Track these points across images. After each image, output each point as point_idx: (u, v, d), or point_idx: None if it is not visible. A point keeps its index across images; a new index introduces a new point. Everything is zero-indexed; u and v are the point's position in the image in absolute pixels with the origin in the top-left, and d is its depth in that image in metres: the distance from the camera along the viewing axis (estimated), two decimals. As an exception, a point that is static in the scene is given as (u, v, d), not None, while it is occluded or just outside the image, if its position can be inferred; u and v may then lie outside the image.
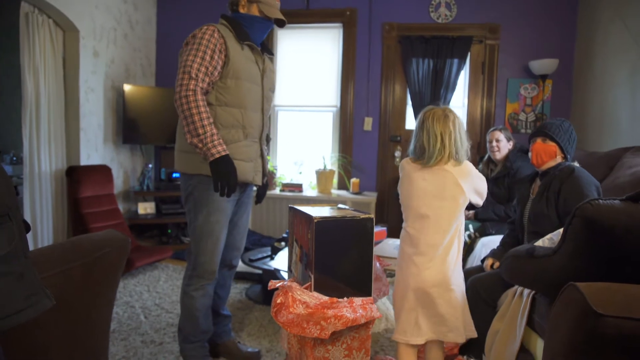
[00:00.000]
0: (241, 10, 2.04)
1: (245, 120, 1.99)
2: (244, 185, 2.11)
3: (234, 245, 2.22)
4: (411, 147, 1.85)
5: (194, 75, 1.80)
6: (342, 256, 1.60)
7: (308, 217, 1.58)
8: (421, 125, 1.81)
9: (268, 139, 2.30)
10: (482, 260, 2.33)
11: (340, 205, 1.88)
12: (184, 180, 2.01)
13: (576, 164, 2.25)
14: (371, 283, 1.65)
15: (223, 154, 1.76)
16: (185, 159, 1.99)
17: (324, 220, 1.56)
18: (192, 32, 1.94)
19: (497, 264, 2.19)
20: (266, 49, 2.16)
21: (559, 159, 2.16)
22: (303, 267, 1.67)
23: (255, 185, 2.17)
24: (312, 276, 1.57)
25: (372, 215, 1.63)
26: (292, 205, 1.84)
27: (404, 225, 1.86)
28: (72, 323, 1.61)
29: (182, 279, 2.11)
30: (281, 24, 2.09)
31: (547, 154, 2.16)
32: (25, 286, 1.01)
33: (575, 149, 2.21)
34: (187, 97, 1.78)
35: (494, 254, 2.27)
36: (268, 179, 2.36)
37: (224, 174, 1.74)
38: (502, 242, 2.34)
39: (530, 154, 2.22)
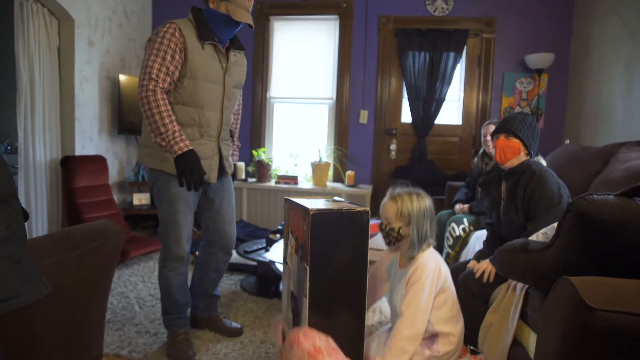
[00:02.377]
0: (210, 5, 2.04)
1: (202, 119, 2.04)
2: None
3: (224, 233, 2.31)
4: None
5: (154, 77, 1.84)
6: (337, 248, 1.60)
7: (304, 210, 1.59)
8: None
9: (232, 134, 2.36)
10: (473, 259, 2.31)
11: (336, 198, 1.88)
12: (148, 172, 2.13)
13: (541, 160, 2.26)
14: (366, 275, 1.66)
15: (185, 149, 1.81)
16: (146, 153, 2.08)
17: (320, 213, 1.56)
18: (156, 29, 1.96)
19: (487, 268, 2.08)
20: (236, 44, 2.17)
21: (522, 155, 2.13)
22: (299, 259, 1.68)
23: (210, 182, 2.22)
24: (308, 268, 1.58)
25: (368, 208, 1.63)
26: (287, 197, 1.84)
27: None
28: (67, 312, 1.61)
29: None
30: (249, 26, 2.08)
31: (510, 151, 2.12)
32: (22, 272, 1.01)
33: (538, 143, 2.19)
34: (148, 97, 1.83)
35: (478, 256, 2.24)
36: (235, 172, 2.44)
37: (187, 169, 1.79)
38: (486, 245, 2.32)
39: (493, 150, 2.20)
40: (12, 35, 3.32)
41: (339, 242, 1.60)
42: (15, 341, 1.40)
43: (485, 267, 2.05)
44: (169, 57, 1.89)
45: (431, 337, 1.73)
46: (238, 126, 2.44)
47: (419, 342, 1.69)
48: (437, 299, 1.73)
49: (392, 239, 1.76)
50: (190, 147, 1.81)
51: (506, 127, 2.14)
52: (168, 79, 1.90)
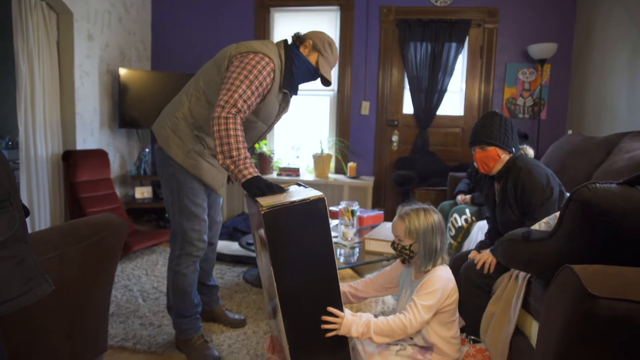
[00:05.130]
0: (302, 50, 2.05)
1: None
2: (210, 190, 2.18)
3: (212, 223, 2.32)
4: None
5: (239, 106, 1.81)
6: (298, 242, 1.53)
7: (258, 208, 1.51)
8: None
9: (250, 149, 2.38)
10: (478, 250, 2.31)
11: (294, 186, 1.82)
12: (165, 158, 2.04)
13: (527, 150, 2.24)
14: (334, 263, 1.58)
15: (254, 174, 1.76)
16: (175, 144, 2.02)
17: (273, 210, 1.48)
18: (253, 48, 1.91)
19: (488, 259, 2.07)
20: (296, 90, 2.17)
21: (505, 157, 2.10)
22: (265, 256, 1.62)
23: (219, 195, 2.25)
24: (272, 267, 1.51)
25: (323, 195, 1.54)
26: (246, 195, 1.77)
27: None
28: (71, 305, 1.62)
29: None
30: (326, 84, 2.10)
31: (490, 160, 2.10)
32: (24, 271, 1.01)
33: (516, 137, 2.14)
34: (227, 119, 1.77)
35: (479, 247, 2.24)
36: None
37: (259, 191, 1.72)
38: (488, 236, 2.32)
39: (475, 164, 2.17)
40: (11, 30, 3.31)
41: (299, 235, 1.52)
42: (21, 335, 1.41)
43: (486, 258, 2.05)
44: (256, 94, 1.88)
45: (427, 346, 1.73)
46: None
47: (404, 337, 1.69)
48: (442, 317, 1.72)
49: (405, 256, 1.76)
50: (258, 174, 1.77)
51: (478, 140, 2.12)
52: (248, 112, 1.89)
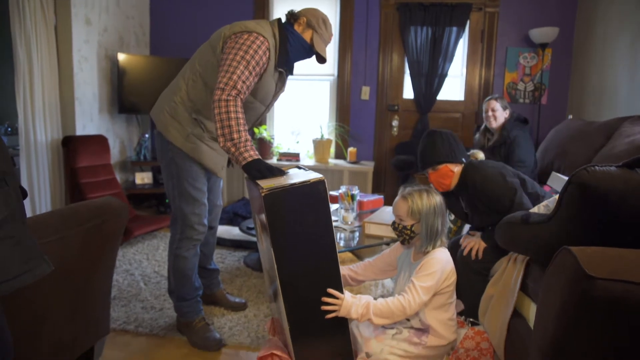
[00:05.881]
0: (296, 28, 2.03)
1: None
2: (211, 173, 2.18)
3: (213, 207, 2.32)
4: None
5: (239, 87, 1.81)
6: (299, 224, 1.53)
7: (258, 190, 1.51)
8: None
9: None
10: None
11: (294, 169, 1.81)
12: (165, 143, 2.04)
13: (477, 154, 2.24)
14: (335, 245, 1.59)
15: (255, 157, 1.76)
16: (174, 128, 2.02)
17: (273, 192, 1.48)
18: (247, 28, 1.90)
19: (475, 245, 2.08)
20: (291, 69, 2.16)
21: (457, 169, 2.09)
22: (266, 238, 1.63)
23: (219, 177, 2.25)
24: (272, 250, 1.52)
25: (323, 177, 1.55)
26: (247, 178, 1.78)
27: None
28: (72, 288, 1.63)
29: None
30: (321, 61, 2.08)
31: (445, 177, 2.08)
32: (23, 251, 1.01)
33: (461, 146, 2.12)
34: (228, 101, 1.78)
35: (469, 232, 2.22)
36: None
37: (259, 174, 1.72)
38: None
39: (432, 186, 2.15)
40: (8, 15, 3.28)
41: (299, 217, 1.53)
42: (24, 316, 1.42)
43: (473, 244, 2.05)
44: (254, 74, 1.88)
45: (424, 328, 1.74)
46: None
47: (403, 318, 1.70)
48: (439, 299, 1.73)
49: (406, 236, 1.76)
50: (259, 157, 1.78)
51: (427, 162, 2.10)
52: (247, 93, 1.89)
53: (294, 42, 2.02)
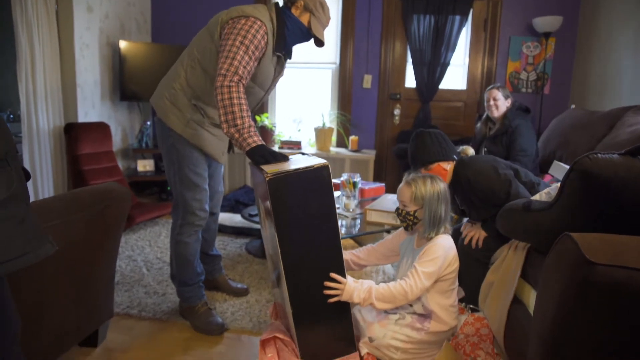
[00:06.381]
0: (293, 11, 2.02)
1: None
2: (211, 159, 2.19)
3: (214, 193, 2.33)
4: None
5: (240, 73, 1.81)
6: (302, 209, 1.55)
7: (262, 175, 1.52)
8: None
9: None
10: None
11: (298, 156, 1.81)
12: (165, 129, 2.05)
13: (467, 150, 2.24)
14: (338, 231, 1.61)
15: (259, 143, 1.77)
16: (174, 114, 2.03)
17: (277, 177, 1.49)
18: (245, 12, 1.90)
19: (475, 234, 2.10)
20: (290, 53, 2.15)
21: (449, 167, 2.10)
22: (270, 224, 1.62)
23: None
24: (276, 234, 1.53)
25: (327, 163, 1.56)
26: (250, 163, 1.79)
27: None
28: (76, 273, 1.65)
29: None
30: (319, 44, 2.07)
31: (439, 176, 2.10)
32: (26, 231, 1.01)
33: (451, 144, 2.13)
34: (230, 87, 1.78)
35: (469, 220, 2.23)
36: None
37: (262, 160, 1.73)
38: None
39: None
40: (9, 2, 3.27)
41: (303, 202, 1.54)
42: (30, 298, 1.44)
43: (474, 233, 2.06)
44: (254, 59, 1.88)
45: (426, 314, 1.76)
46: None
47: (405, 303, 1.72)
48: (442, 285, 1.74)
49: (409, 222, 1.77)
50: (262, 142, 1.79)
51: (419, 163, 2.11)
52: (248, 78, 1.89)
53: (291, 26, 2.01)
